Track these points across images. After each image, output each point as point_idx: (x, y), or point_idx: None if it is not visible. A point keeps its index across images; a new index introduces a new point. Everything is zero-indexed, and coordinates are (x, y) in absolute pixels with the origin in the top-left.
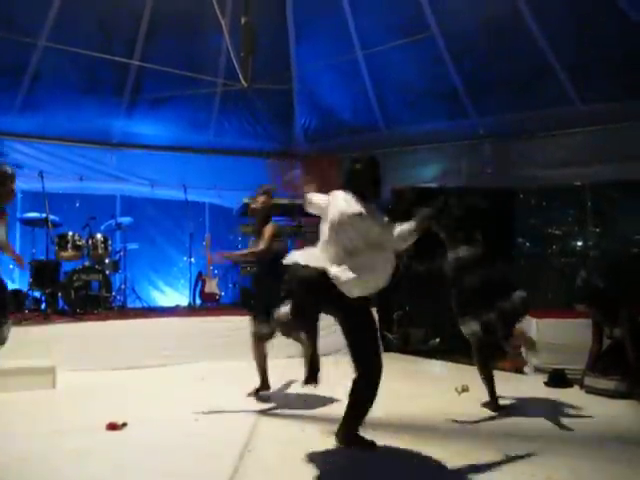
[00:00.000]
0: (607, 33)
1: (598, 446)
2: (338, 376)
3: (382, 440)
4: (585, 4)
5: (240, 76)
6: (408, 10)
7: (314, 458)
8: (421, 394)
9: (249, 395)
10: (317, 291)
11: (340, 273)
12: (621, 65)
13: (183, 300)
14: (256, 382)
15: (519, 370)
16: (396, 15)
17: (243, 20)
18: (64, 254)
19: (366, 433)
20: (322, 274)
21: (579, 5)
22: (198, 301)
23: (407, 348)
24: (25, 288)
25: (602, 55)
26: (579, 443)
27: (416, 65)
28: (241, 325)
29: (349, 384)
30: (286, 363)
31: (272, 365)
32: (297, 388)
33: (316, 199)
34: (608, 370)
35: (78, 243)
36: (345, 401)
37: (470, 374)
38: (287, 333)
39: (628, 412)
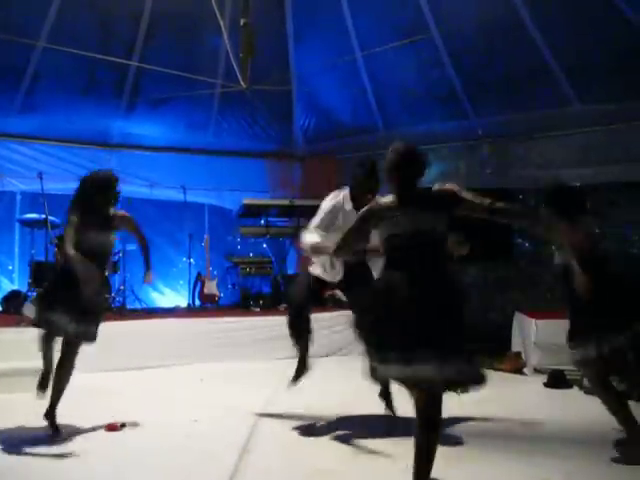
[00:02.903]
0: (606, 33)
1: (598, 447)
2: (339, 376)
3: (381, 441)
4: (583, 4)
5: (239, 77)
6: (407, 11)
7: (314, 459)
8: None
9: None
10: None
11: None
12: (620, 66)
13: (182, 301)
14: (254, 384)
15: (518, 371)
16: (395, 16)
17: (242, 21)
18: None
19: (363, 433)
20: None
21: (577, 5)
22: (197, 302)
23: None
24: (24, 289)
25: (601, 56)
26: (578, 444)
27: (415, 66)
28: (240, 326)
29: (349, 385)
30: (287, 363)
31: (272, 366)
32: (297, 388)
33: None
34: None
35: None
36: (346, 402)
37: None
38: None
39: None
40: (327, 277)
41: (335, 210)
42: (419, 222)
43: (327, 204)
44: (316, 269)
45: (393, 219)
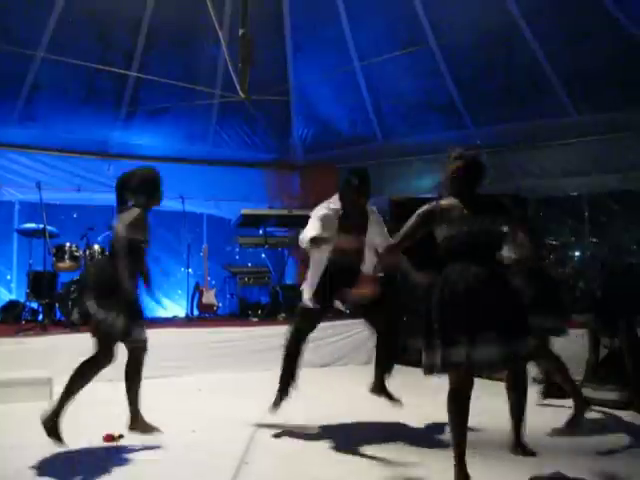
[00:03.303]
0: (603, 44)
1: (596, 457)
2: (337, 386)
3: (382, 451)
4: (581, 16)
5: (238, 87)
6: (405, 22)
7: (313, 469)
8: (420, 404)
9: None
10: None
11: None
12: (617, 76)
13: (180, 311)
14: (253, 394)
15: None
16: (393, 27)
17: (241, 32)
18: (61, 265)
19: (362, 443)
20: None
21: (575, 17)
22: (196, 312)
23: (405, 358)
24: (22, 299)
25: (598, 66)
26: (577, 454)
27: (413, 76)
28: (238, 336)
29: (348, 395)
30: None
31: (271, 376)
32: (296, 400)
33: None
34: (605, 381)
35: (75, 254)
36: (345, 412)
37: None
38: None
39: (626, 423)
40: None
41: (330, 215)
42: (482, 224)
43: (320, 211)
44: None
45: (456, 220)
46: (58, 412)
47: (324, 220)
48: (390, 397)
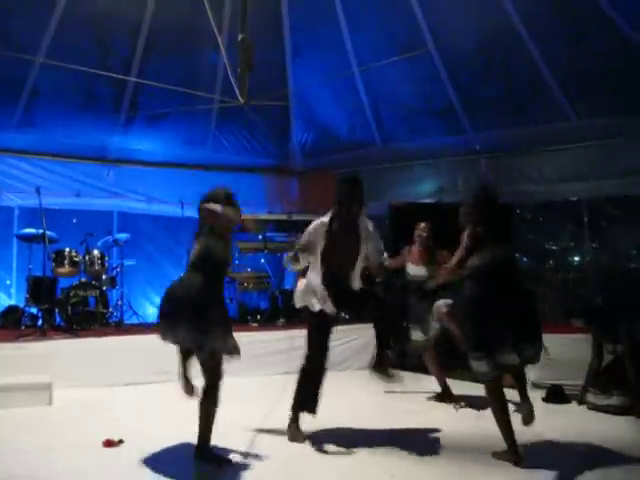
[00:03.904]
0: (602, 49)
1: (599, 462)
2: (336, 392)
3: (381, 455)
4: (580, 20)
5: (237, 93)
6: (404, 27)
7: (313, 474)
8: (418, 410)
9: None
10: None
11: None
12: (616, 80)
13: None
14: (253, 399)
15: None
16: (392, 32)
17: (240, 37)
18: (61, 270)
19: (361, 448)
20: None
21: (574, 21)
22: None
23: (404, 363)
24: (22, 304)
25: (597, 71)
26: (579, 460)
27: (412, 81)
28: (238, 341)
29: (347, 400)
30: (285, 378)
31: (270, 381)
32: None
33: None
34: (609, 386)
35: (75, 259)
36: (345, 417)
37: (468, 390)
38: None
39: (629, 428)
40: (326, 307)
41: (319, 228)
42: (499, 251)
43: (312, 225)
44: (315, 304)
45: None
46: (208, 439)
47: (308, 237)
48: (389, 375)
